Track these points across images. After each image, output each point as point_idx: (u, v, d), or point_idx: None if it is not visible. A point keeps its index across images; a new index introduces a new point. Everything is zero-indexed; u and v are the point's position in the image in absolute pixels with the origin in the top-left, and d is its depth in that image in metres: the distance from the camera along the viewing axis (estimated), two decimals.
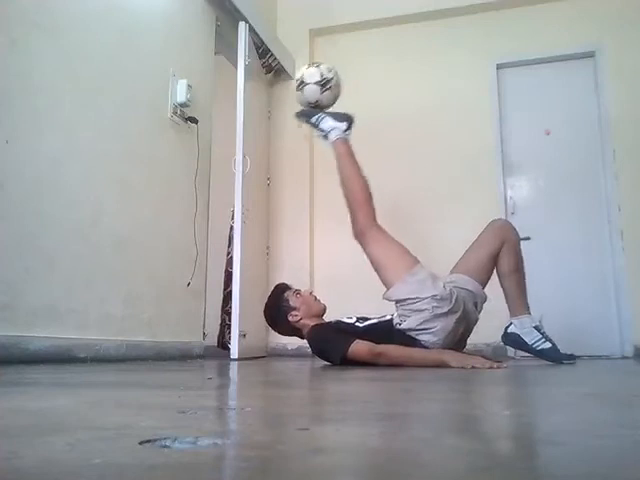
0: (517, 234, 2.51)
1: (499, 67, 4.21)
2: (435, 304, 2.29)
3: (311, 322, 2.47)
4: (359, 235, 2.53)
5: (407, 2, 4.34)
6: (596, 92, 4.01)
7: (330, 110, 2.66)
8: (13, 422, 0.69)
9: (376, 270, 2.48)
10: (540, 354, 2.40)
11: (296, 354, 4.03)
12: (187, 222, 3.21)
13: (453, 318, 2.30)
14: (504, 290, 2.48)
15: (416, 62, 4.37)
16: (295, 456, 0.50)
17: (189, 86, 3.21)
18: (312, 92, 2.59)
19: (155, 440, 0.52)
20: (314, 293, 2.62)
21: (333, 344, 2.30)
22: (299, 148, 4.40)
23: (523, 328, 2.41)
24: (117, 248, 2.62)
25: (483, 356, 2.22)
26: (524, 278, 2.48)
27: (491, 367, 1.98)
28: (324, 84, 2.59)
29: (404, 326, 2.33)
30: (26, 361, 2.01)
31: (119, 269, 2.62)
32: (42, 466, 0.44)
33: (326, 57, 4.59)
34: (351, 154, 2.66)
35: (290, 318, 2.48)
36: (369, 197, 2.62)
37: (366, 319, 2.46)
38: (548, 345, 2.37)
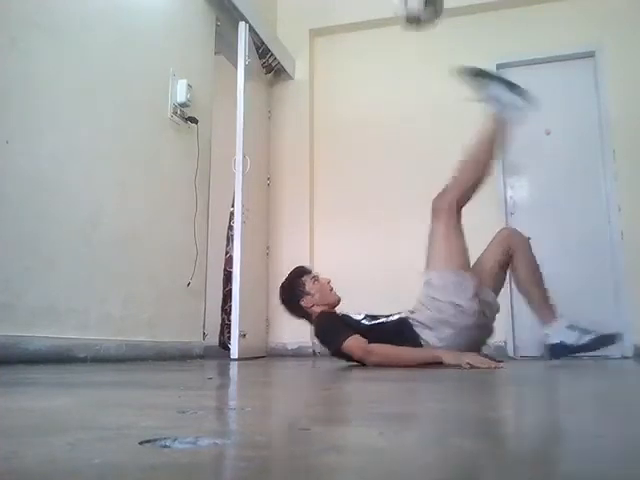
0: (525, 240, 2.46)
1: (499, 67, 4.20)
2: (454, 312, 2.26)
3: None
4: (440, 207, 2.45)
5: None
6: (596, 92, 4.01)
7: (503, 76, 2.43)
8: (13, 422, 0.69)
9: (429, 245, 2.42)
10: (589, 348, 2.30)
11: (296, 354, 4.03)
12: (187, 222, 3.21)
13: (466, 333, 2.27)
14: (526, 299, 2.44)
15: (416, 62, 4.37)
16: (295, 456, 0.50)
17: (189, 86, 3.21)
18: (415, 3, 2.31)
19: (155, 440, 0.52)
20: (332, 283, 2.58)
21: (333, 334, 2.31)
22: (299, 148, 4.40)
23: (559, 334, 2.31)
24: (117, 248, 2.62)
25: (486, 355, 2.19)
26: (542, 282, 2.42)
27: (489, 367, 1.94)
28: None
29: (415, 316, 2.32)
30: (26, 361, 2.01)
31: (119, 269, 2.62)
32: (42, 466, 0.44)
33: (326, 57, 4.60)
34: (505, 135, 2.57)
35: (303, 303, 2.47)
36: (478, 186, 2.56)
37: (374, 317, 2.45)
38: (591, 336, 2.28)
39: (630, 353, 3.64)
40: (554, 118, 4.08)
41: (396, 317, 2.41)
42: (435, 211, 2.44)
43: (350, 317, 2.45)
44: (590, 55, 4.04)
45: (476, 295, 2.29)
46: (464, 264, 2.37)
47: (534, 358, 3.59)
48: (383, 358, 2.17)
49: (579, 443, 0.57)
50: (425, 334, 2.29)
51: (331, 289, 2.54)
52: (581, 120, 4.03)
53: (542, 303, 2.39)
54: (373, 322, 2.41)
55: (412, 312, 2.36)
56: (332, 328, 2.36)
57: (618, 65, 3.93)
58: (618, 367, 2.21)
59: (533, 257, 2.44)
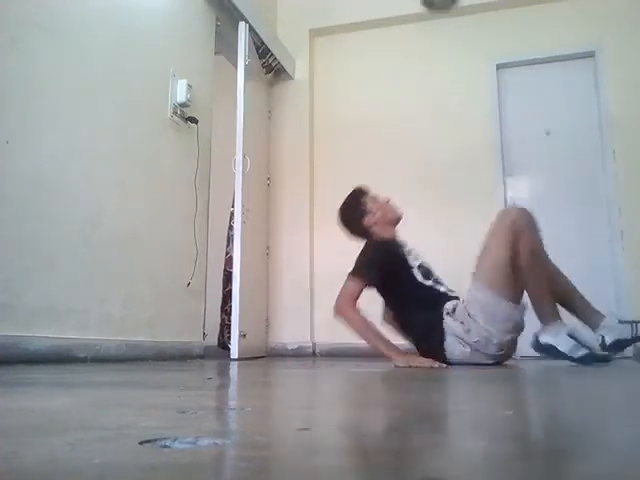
0: (531, 223, 2.24)
1: (499, 67, 4.21)
2: (478, 339, 2.22)
3: (383, 231, 2.48)
4: (509, 216, 2.27)
5: (407, 2, 4.34)
6: (596, 92, 4.01)
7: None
8: (13, 422, 0.69)
9: (485, 250, 2.27)
10: (581, 362, 2.16)
11: (296, 354, 4.04)
12: (187, 222, 3.21)
13: (480, 357, 2.25)
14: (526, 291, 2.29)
15: (416, 62, 4.37)
16: (295, 456, 0.50)
17: (189, 86, 3.21)
18: None
19: (155, 440, 0.52)
20: (392, 202, 2.59)
21: (361, 265, 2.33)
22: (299, 148, 4.40)
23: (556, 336, 2.17)
24: (117, 248, 2.62)
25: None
26: (542, 276, 2.21)
27: (432, 366, 2.06)
28: None
29: (448, 321, 2.28)
30: (26, 361, 2.01)
31: (119, 269, 2.62)
32: (42, 466, 0.44)
33: (326, 57, 4.60)
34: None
35: (364, 221, 2.49)
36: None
37: (429, 275, 2.38)
38: (584, 352, 2.13)
39: (630, 353, 3.64)
40: (554, 118, 4.08)
41: (449, 294, 2.34)
42: (504, 216, 2.27)
43: (404, 258, 2.39)
44: (590, 55, 4.04)
45: (514, 330, 2.23)
46: (515, 297, 2.23)
47: (534, 358, 3.59)
48: (352, 327, 2.26)
49: (579, 443, 0.57)
50: (449, 339, 2.27)
51: (391, 206, 2.54)
52: (581, 120, 4.03)
53: (539, 303, 2.22)
54: (419, 278, 2.35)
55: (449, 313, 2.29)
56: (367, 260, 2.35)
57: (618, 65, 3.93)
58: (618, 367, 2.20)
59: (536, 245, 2.25)
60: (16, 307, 2.04)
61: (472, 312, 2.24)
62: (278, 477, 0.43)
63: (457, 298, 2.36)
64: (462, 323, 2.25)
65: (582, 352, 2.14)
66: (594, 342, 2.21)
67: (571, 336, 2.16)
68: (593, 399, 1.06)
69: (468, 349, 2.24)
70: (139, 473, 0.42)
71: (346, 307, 2.28)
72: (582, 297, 2.33)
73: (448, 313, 2.30)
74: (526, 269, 2.19)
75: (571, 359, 2.15)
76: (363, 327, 2.27)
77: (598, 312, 2.29)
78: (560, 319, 2.23)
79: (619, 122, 3.86)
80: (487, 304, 2.22)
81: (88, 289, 2.42)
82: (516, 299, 2.24)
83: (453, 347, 2.26)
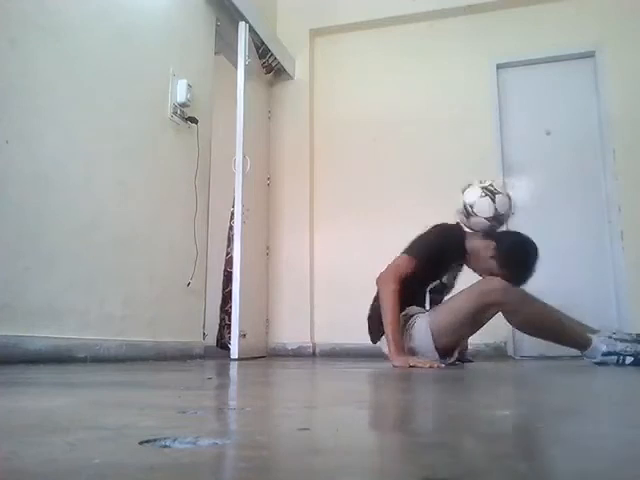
0: (511, 295, 2.18)
1: (499, 67, 4.21)
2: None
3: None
4: (494, 283, 2.23)
5: (407, 2, 4.34)
6: (596, 92, 4.01)
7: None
8: (13, 422, 0.69)
9: (455, 297, 2.33)
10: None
11: (296, 354, 4.04)
12: (187, 222, 3.21)
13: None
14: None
15: (416, 62, 4.37)
16: (295, 456, 0.50)
17: (189, 86, 3.21)
18: (480, 223, 2.39)
19: (155, 440, 0.52)
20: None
21: (416, 245, 2.35)
22: (299, 148, 4.40)
23: (596, 357, 2.21)
24: (117, 248, 2.62)
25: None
26: (554, 323, 2.22)
27: (431, 366, 2.08)
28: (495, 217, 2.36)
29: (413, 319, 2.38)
30: (26, 361, 2.01)
31: (119, 269, 2.62)
32: (42, 466, 0.44)
33: (326, 57, 4.60)
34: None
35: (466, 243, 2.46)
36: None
37: (438, 290, 2.45)
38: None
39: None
40: (554, 118, 4.08)
41: (415, 318, 2.39)
42: (489, 281, 2.23)
43: (445, 268, 2.42)
44: (590, 55, 4.04)
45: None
46: (446, 349, 2.31)
47: (533, 358, 3.60)
48: (383, 299, 2.26)
49: (579, 443, 0.57)
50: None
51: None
52: (581, 120, 4.03)
53: (569, 339, 2.26)
54: (426, 288, 2.40)
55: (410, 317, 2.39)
56: (421, 242, 2.36)
57: (618, 65, 3.93)
58: (618, 367, 2.20)
59: (529, 306, 2.20)
60: (16, 307, 2.04)
61: (410, 342, 2.32)
62: (278, 477, 0.43)
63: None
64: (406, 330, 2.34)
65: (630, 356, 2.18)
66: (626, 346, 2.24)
67: (608, 353, 2.20)
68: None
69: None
70: (139, 473, 0.42)
71: (387, 279, 2.27)
72: (565, 333, 2.28)
73: (405, 315, 2.37)
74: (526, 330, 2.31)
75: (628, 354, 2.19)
76: (390, 305, 2.25)
77: (586, 339, 2.28)
78: (590, 341, 2.23)
79: (619, 122, 3.86)
80: (419, 344, 2.29)
81: (88, 289, 2.42)
82: (445, 353, 2.30)
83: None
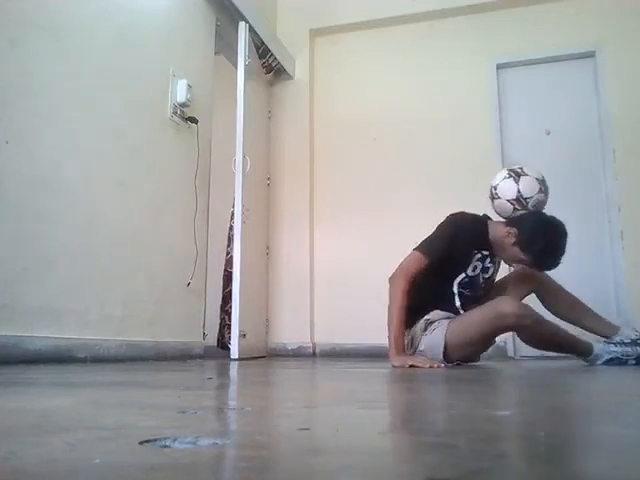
0: (525, 320, 2.14)
1: (499, 67, 4.21)
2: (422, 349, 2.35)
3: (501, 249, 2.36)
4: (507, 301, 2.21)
5: (407, 2, 4.34)
6: (596, 92, 4.01)
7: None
8: (13, 422, 0.69)
9: (465, 320, 2.29)
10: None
11: (296, 354, 4.04)
12: (187, 222, 3.21)
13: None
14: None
15: (416, 62, 4.37)
16: (295, 456, 0.50)
17: (189, 86, 3.20)
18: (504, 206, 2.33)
19: (155, 440, 0.52)
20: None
21: (428, 240, 2.32)
22: (299, 148, 4.40)
23: (599, 360, 2.27)
24: (117, 248, 2.62)
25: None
26: (560, 338, 2.24)
27: (431, 366, 2.07)
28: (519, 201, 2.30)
29: (421, 324, 2.36)
30: (26, 361, 2.01)
31: (119, 269, 2.62)
32: (42, 466, 0.44)
33: (326, 57, 4.60)
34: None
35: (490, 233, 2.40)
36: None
37: (469, 288, 2.36)
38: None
39: None
40: (554, 118, 4.08)
41: (437, 323, 2.36)
42: (504, 304, 2.18)
43: (469, 258, 2.33)
44: (590, 55, 4.04)
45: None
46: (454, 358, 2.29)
47: (534, 358, 3.59)
48: (390, 296, 2.23)
49: (579, 442, 0.57)
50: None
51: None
52: (581, 120, 4.03)
53: (569, 350, 2.34)
54: (456, 288, 2.32)
55: (430, 324, 2.37)
56: (433, 235, 2.33)
57: (618, 65, 3.93)
58: (618, 367, 2.20)
59: (546, 332, 2.22)
60: (16, 307, 2.04)
61: (420, 346, 2.31)
62: (278, 477, 0.42)
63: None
64: (424, 331, 2.33)
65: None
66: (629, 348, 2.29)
67: (610, 360, 2.25)
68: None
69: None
70: (139, 473, 0.42)
71: (397, 279, 2.24)
72: (595, 317, 2.39)
73: (427, 320, 2.33)
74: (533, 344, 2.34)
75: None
76: (397, 303, 2.21)
77: (612, 325, 2.37)
78: (592, 348, 2.28)
79: (619, 122, 3.86)
80: (429, 349, 2.28)
81: (88, 289, 2.42)
82: (449, 361, 2.29)
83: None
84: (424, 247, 2.31)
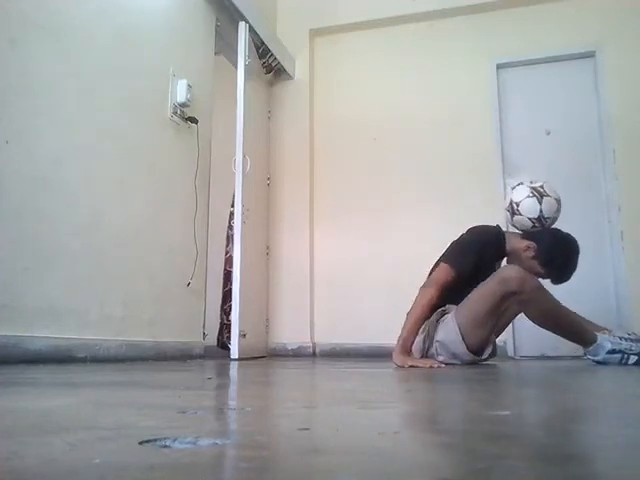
0: (528, 283, 2.22)
1: (499, 67, 4.21)
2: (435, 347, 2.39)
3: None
4: (515, 271, 2.27)
5: (407, 2, 4.34)
6: (596, 92, 4.02)
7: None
8: (13, 422, 0.69)
9: (475, 294, 2.33)
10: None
11: (296, 354, 4.04)
12: (187, 222, 3.21)
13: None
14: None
15: (416, 62, 4.37)
16: (295, 456, 0.50)
17: (189, 86, 3.21)
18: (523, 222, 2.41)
19: (155, 440, 0.52)
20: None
21: (453, 251, 2.40)
22: (299, 148, 4.40)
23: (598, 355, 2.26)
24: (117, 248, 2.62)
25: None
26: (565, 316, 2.27)
27: (431, 366, 2.10)
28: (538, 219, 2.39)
29: (434, 317, 2.41)
30: (26, 361, 2.01)
31: (119, 269, 2.62)
32: (42, 466, 0.44)
33: (326, 57, 4.60)
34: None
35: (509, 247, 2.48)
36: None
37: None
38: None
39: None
40: (554, 118, 4.08)
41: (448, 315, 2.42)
42: (506, 270, 2.29)
43: (493, 265, 2.41)
44: (590, 55, 4.04)
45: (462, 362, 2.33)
46: (476, 347, 2.32)
47: (534, 358, 3.60)
48: (416, 302, 2.31)
49: (579, 443, 0.57)
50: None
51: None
52: (581, 120, 4.03)
53: (575, 333, 2.32)
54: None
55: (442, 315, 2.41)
56: (457, 247, 2.40)
57: (618, 65, 3.93)
58: (618, 367, 2.20)
59: (543, 298, 2.24)
60: (16, 307, 2.04)
61: (436, 336, 2.36)
62: (278, 477, 0.42)
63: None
64: (437, 323, 2.39)
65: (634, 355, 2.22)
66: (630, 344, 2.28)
67: (612, 351, 2.23)
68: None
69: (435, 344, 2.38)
70: (139, 473, 0.42)
71: (430, 288, 2.32)
72: (573, 331, 2.35)
73: (444, 311, 2.40)
74: (536, 320, 2.31)
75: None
76: (420, 313, 2.29)
77: (589, 342, 2.32)
78: (596, 337, 2.27)
79: (619, 122, 3.86)
80: (448, 340, 2.32)
81: (88, 289, 2.42)
82: (474, 350, 2.32)
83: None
84: (453, 260, 2.38)
